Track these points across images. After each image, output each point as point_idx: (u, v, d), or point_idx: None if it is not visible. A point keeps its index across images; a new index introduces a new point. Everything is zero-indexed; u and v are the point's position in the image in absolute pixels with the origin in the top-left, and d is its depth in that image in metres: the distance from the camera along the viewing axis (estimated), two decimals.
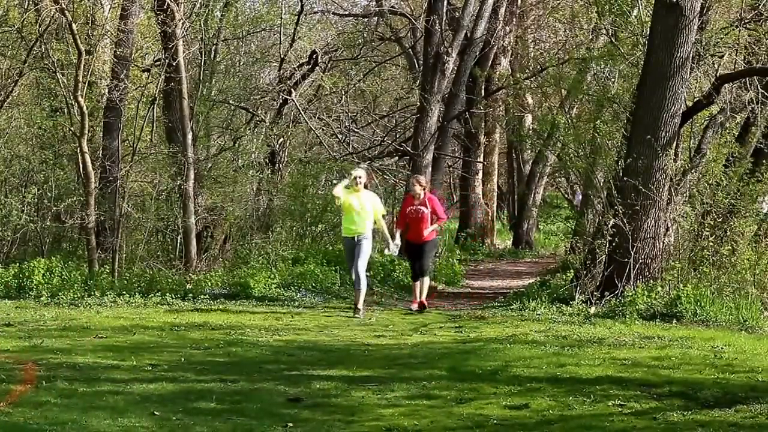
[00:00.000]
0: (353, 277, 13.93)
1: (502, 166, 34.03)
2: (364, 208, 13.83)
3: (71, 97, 17.49)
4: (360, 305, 13.78)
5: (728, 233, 15.05)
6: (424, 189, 14.53)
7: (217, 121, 22.41)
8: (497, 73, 26.71)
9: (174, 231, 18.78)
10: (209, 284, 16.05)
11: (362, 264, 13.79)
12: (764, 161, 16.32)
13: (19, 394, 8.42)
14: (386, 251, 15.01)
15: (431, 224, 14.45)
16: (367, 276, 14.23)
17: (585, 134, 16.71)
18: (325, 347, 11.22)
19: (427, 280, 14.79)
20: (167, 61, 17.91)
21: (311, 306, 15.00)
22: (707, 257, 14.64)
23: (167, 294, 15.40)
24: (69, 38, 17.51)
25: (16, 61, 19.14)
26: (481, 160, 27.92)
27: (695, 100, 15.45)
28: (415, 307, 14.46)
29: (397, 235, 14.52)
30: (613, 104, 16.45)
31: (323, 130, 24.07)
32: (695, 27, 14.19)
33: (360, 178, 13.87)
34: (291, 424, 7.62)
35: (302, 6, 23.45)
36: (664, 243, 14.28)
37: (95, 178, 17.23)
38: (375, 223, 14.14)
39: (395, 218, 26.03)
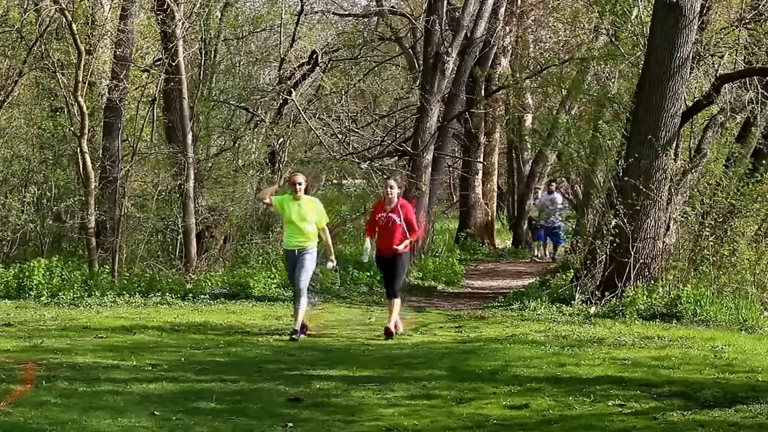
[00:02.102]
0: (296, 294, 12.05)
1: (502, 166, 34.00)
2: (305, 218, 11.96)
3: (71, 97, 17.49)
4: (298, 325, 11.88)
5: (728, 233, 15.05)
6: (399, 194, 12.29)
7: (217, 121, 22.41)
8: (497, 73, 26.71)
9: (174, 231, 18.77)
10: (209, 284, 16.06)
11: (304, 279, 11.94)
12: (764, 161, 16.32)
13: (19, 394, 8.42)
14: (328, 266, 12.54)
15: (404, 237, 12.11)
16: (310, 292, 12.54)
17: (585, 134, 16.72)
18: (325, 347, 11.21)
19: (397, 303, 12.25)
20: (167, 61, 17.91)
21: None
22: (707, 257, 14.64)
23: (167, 294, 15.41)
24: (69, 38, 17.51)
25: (16, 61, 19.13)
26: (481, 160, 27.90)
27: (695, 100, 15.45)
28: (392, 326, 12.09)
29: (367, 242, 12.45)
30: (613, 104, 16.45)
31: (323, 130, 24.05)
32: (695, 27, 14.19)
33: (300, 185, 11.95)
34: (291, 424, 7.62)
35: (302, 6, 23.44)
36: (664, 243, 14.28)
37: (95, 178, 17.24)
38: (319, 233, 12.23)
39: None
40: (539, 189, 26.04)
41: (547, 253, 24.60)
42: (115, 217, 17.35)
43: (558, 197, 24.28)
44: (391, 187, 12.15)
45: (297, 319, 11.88)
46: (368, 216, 12.92)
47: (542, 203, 24.20)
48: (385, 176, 12.19)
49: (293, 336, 11.72)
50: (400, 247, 12.01)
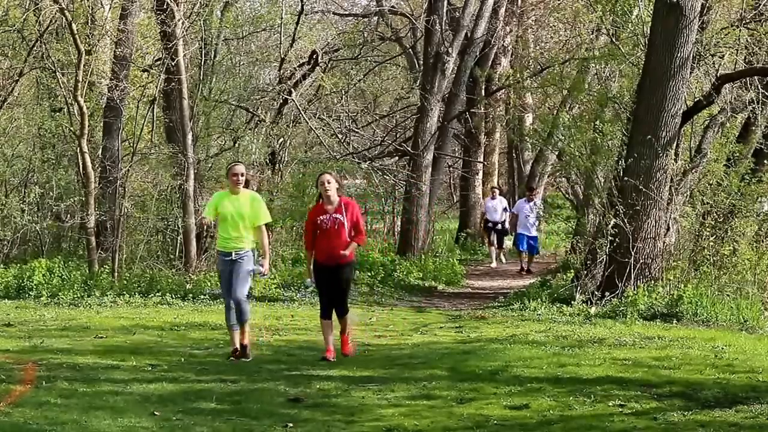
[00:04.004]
0: (229, 309, 10.44)
1: (503, 166, 34.00)
2: (243, 215, 10.29)
3: (71, 97, 17.49)
4: (246, 341, 10.42)
5: (729, 233, 15.05)
6: (339, 191, 10.41)
7: (218, 121, 22.42)
8: (497, 72, 26.72)
9: (174, 231, 18.77)
10: (209, 284, 16.05)
11: (242, 290, 10.37)
12: (765, 161, 16.32)
13: (19, 394, 8.41)
14: (257, 269, 10.50)
15: (350, 239, 10.30)
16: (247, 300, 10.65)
17: (586, 134, 16.72)
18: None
19: (347, 318, 10.59)
20: (167, 61, 17.90)
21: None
22: (708, 257, 14.64)
23: (167, 294, 15.40)
24: (69, 38, 17.51)
25: (17, 61, 19.14)
26: (482, 160, 27.91)
27: (696, 100, 15.45)
28: (332, 356, 10.33)
29: (307, 270, 10.66)
30: (614, 104, 16.46)
31: (323, 130, 24.06)
32: (696, 27, 14.19)
33: (241, 175, 10.34)
34: (291, 424, 7.62)
35: (302, 6, 23.45)
36: (664, 243, 14.28)
37: (95, 178, 17.23)
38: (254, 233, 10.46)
39: (395, 221, 26.17)
40: (496, 189, 24.95)
41: (503, 259, 23.56)
42: (115, 217, 17.35)
43: (504, 202, 23.63)
44: (329, 182, 10.25)
45: (236, 338, 10.38)
46: (306, 223, 10.69)
47: (518, 210, 22.33)
48: (319, 172, 10.23)
49: (236, 356, 10.29)
50: (347, 251, 10.24)
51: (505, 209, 23.46)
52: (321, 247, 10.30)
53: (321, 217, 10.27)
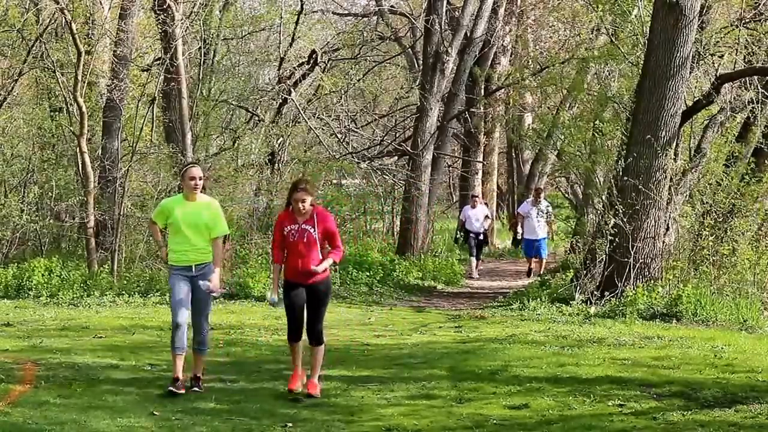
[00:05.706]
0: (178, 328, 8.86)
1: (502, 166, 34.03)
2: (199, 225, 8.86)
3: (71, 97, 17.49)
4: (200, 372, 9.05)
5: (728, 233, 15.04)
6: (312, 199, 8.88)
7: (217, 121, 22.40)
8: (497, 72, 26.73)
9: None
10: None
11: (206, 319, 9.09)
12: (765, 161, 16.30)
13: (18, 394, 8.42)
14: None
15: (324, 255, 8.88)
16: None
17: (585, 134, 16.72)
18: (324, 347, 11.19)
19: (321, 351, 9.09)
20: (167, 60, 17.90)
21: None
22: (707, 257, 14.63)
23: (166, 294, 15.36)
24: (68, 38, 17.50)
25: (16, 61, 19.13)
26: (481, 159, 27.91)
27: (695, 99, 15.45)
28: (298, 386, 8.88)
29: (269, 294, 9.20)
30: (613, 104, 16.46)
31: (323, 129, 24.06)
32: (695, 27, 14.19)
33: (199, 179, 8.89)
34: (290, 424, 7.62)
35: (302, 5, 23.45)
36: (664, 243, 14.27)
37: (95, 178, 17.23)
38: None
39: (395, 221, 26.16)
40: (476, 197, 23.60)
41: (476, 274, 21.64)
42: (114, 217, 17.34)
43: (485, 210, 22.59)
44: (303, 201, 8.77)
45: (180, 364, 8.85)
46: (275, 230, 9.17)
47: (524, 212, 20.50)
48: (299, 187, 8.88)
49: (177, 387, 8.69)
50: (320, 268, 8.79)
51: (487, 217, 22.45)
52: (289, 263, 8.91)
53: (289, 228, 8.86)
